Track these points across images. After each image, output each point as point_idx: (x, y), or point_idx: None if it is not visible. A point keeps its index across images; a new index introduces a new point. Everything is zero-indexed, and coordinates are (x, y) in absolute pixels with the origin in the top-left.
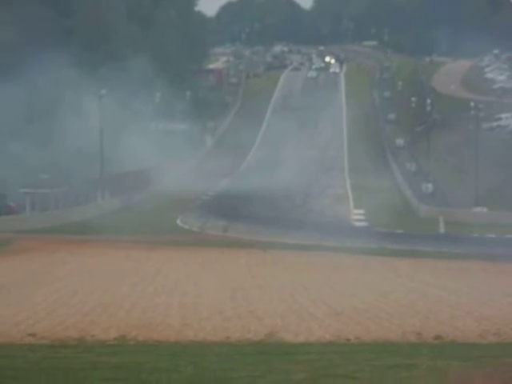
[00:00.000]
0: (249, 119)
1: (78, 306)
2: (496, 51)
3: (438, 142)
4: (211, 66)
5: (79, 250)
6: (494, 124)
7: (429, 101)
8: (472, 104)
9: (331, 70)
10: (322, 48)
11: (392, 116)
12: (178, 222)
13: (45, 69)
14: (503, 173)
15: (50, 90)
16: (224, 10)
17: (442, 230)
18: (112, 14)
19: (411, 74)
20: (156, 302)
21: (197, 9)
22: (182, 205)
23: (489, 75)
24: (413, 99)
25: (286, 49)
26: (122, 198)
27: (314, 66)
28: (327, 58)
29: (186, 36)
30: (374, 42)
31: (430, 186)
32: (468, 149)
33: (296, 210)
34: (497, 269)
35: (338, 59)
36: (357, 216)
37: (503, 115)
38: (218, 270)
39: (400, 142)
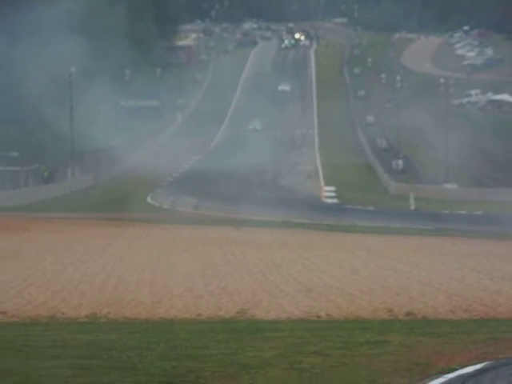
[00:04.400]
0: (219, 96)
1: (48, 284)
2: (466, 28)
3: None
4: (181, 43)
5: (49, 228)
6: (464, 100)
7: (399, 77)
8: (442, 80)
9: (301, 46)
10: (291, 25)
11: (362, 93)
12: (149, 199)
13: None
14: (473, 149)
15: (20, 67)
16: None
17: (412, 206)
18: None
19: (381, 50)
20: (127, 280)
21: None
22: (153, 182)
23: (459, 52)
24: (383, 76)
25: (255, 26)
26: (93, 175)
27: (283, 45)
28: (297, 35)
29: (155, 13)
30: (344, 19)
31: (400, 162)
32: (438, 125)
33: (266, 187)
34: (467, 245)
35: (307, 36)
36: (327, 193)
37: (473, 91)
38: (188, 247)
39: (370, 118)
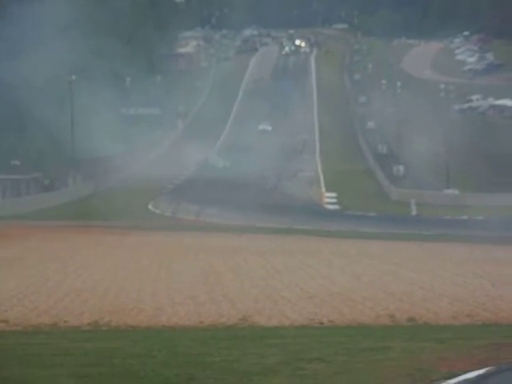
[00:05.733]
0: (219, 103)
1: (50, 292)
2: (466, 33)
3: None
4: (181, 51)
5: (51, 236)
6: (465, 106)
7: (399, 83)
8: (442, 86)
9: (301, 52)
10: (291, 31)
11: (363, 99)
12: (150, 206)
13: (15, 54)
14: (474, 154)
15: (20, 75)
16: None
17: (413, 212)
18: None
19: (381, 56)
20: (129, 288)
21: None
22: (154, 190)
23: (459, 57)
24: (383, 82)
25: (255, 32)
26: (94, 183)
27: (283, 51)
28: (297, 42)
29: (155, 20)
30: (344, 25)
31: (401, 168)
32: (439, 131)
33: (268, 194)
34: (469, 250)
35: (308, 42)
36: (329, 199)
37: (474, 97)
38: (190, 254)
39: (371, 124)
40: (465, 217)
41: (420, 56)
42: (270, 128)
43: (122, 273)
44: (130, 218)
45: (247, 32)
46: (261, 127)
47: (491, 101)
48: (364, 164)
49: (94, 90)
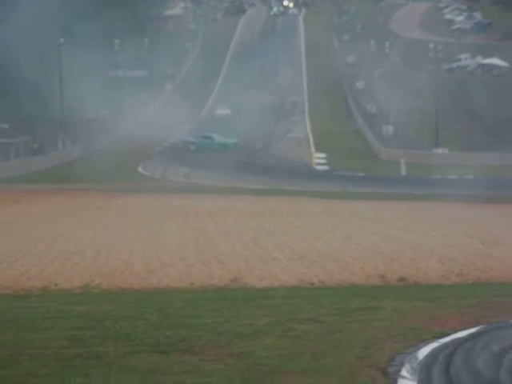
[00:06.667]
0: (208, 65)
1: (40, 255)
2: None
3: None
4: (169, 12)
5: (41, 200)
6: (454, 65)
7: (387, 43)
8: (431, 45)
9: (289, 13)
10: None
11: (351, 59)
12: (140, 169)
13: (1, 18)
14: (463, 113)
15: (7, 38)
16: None
17: (403, 171)
18: None
19: (369, 16)
20: (119, 250)
21: None
22: (143, 152)
23: (447, 16)
24: (372, 42)
25: None
26: (83, 145)
27: (272, 12)
28: (285, 2)
29: None
30: None
31: (390, 128)
32: (428, 90)
33: (258, 154)
34: (458, 210)
35: (296, 3)
36: (318, 160)
37: (462, 56)
38: (180, 216)
39: (360, 84)
40: (454, 176)
41: (408, 16)
42: (229, 112)
43: (111, 235)
44: (120, 181)
45: None
46: (219, 112)
47: (479, 60)
48: (353, 124)
49: (81, 52)
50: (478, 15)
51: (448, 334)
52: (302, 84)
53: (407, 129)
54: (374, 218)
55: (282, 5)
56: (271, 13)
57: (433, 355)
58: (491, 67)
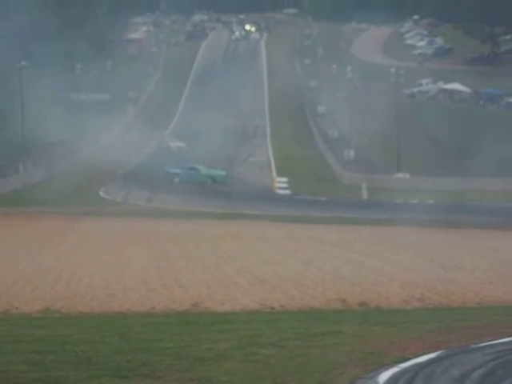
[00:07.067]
0: (170, 88)
1: (1, 278)
2: (416, 17)
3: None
4: (132, 36)
5: (2, 223)
6: (415, 90)
7: (349, 68)
8: (392, 70)
9: (251, 37)
10: (242, 16)
11: (313, 83)
12: (101, 192)
13: None
14: (425, 138)
15: None
16: None
17: (364, 196)
18: None
19: (331, 41)
20: (80, 274)
21: None
22: (105, 175)
23: (409, 41)
24: (333, 66)
25: (205, 17)
26: (45, 169)
27: (234, 36)
28: (248, 27)
29: (106, 6)
30: (294, 10)
31: (351, 152)
32: (389, 115)
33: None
34: (419, 234)
35: (258, 27)
36: (280, 184)
37: (424, 81)
38: (142, 240)
39: (321, 108)
40: (415, 200)
41: (370, 40)
42: (183, 145)
43: (73, 259)
44: (82, 204)
45: (197, 17)
46: (173, 144)
47: (441, 85)
48: (315, 148)
49: (43, 75)
50: (439, 40)
51: (409, 359)
52: (263, 108)
53: (369, 153)
54: (335, 243)
55: (244, 29)
56: (233, 37)
57: (393, 380)
58: (452, 92)
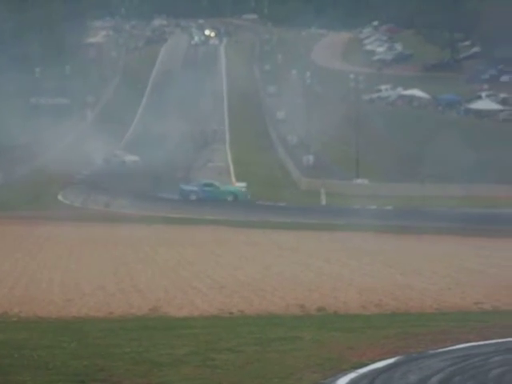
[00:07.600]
0: (129, 94)
1: None
2: (375, 23)
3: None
4: (91, 40)
5: None
6: (374, 96)
7: (309, 73)
8: (352, 76)
9: (211, 43)
10: (201, 21)
11: (272, 89)
12: (60, 197)
13: None
14: (383, 144)
15: None
16: None
17: (323, 201)
18: None
19: (291, 46)
20: (38, 279)
21: None
22: (63, 180)
23: (368, 47)
24: (293, 72)
25: (165, 22)
26: (3, 172)
27: (193, 41)
28: (207, 32)
29: (64, 10)
30: (254, 15)
31: (311, 158)
32: (349, 121)
33: (178, 184)
34: (378, 240)
35: (218, 33)
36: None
37: (383, 87)
38: (100, 245)
39: (281, 114)
40: (374, 206)
41: (329, 46)
42: (137, 158)
43: (31, 264)
44: (40, 209)
45: (156, 22)
46: (127, 158)
47: (400, 91)
48: (274, 154)
49: (1, 79)
50: (398, 46)
51: (366, 365)
52: (222, 113)
53: (327, 159)
54: (293, 248)
55: (204, 34)
56: (192, 42)
57: None
58: (412, 98)
